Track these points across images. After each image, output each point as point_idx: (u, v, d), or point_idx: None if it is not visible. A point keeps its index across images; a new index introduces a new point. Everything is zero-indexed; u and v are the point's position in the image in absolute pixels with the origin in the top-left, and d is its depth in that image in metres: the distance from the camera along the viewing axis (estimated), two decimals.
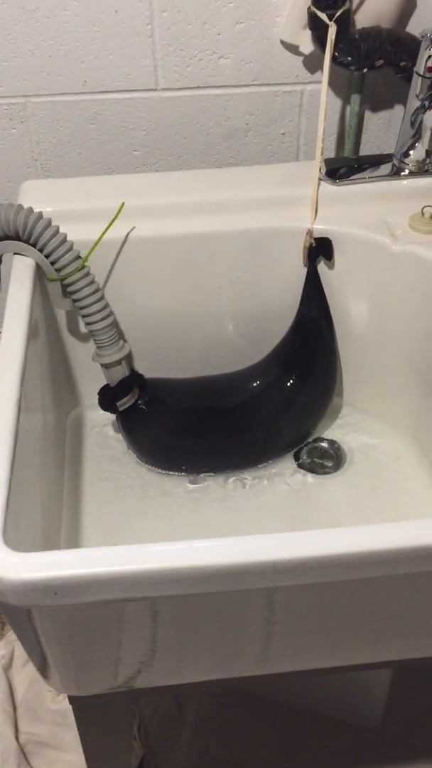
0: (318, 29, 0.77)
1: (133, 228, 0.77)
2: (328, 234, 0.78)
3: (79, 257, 0.73)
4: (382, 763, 0.99)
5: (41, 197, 0.78)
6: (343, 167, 0.83)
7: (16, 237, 0.72)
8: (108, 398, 0.80)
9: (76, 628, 0.53)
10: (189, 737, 1.01)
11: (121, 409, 0.81)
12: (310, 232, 0.78)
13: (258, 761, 0.99)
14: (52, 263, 0.73)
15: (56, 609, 0.49)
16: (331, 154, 0.90)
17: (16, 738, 1.00)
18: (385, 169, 0.82)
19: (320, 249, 0.79)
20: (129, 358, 0.82)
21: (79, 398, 0.88)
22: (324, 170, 0.81)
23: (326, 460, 0.84)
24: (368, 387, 0.86)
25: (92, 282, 0.75)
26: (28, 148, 0.86)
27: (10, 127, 0.85)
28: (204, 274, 0.81)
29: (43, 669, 0.59)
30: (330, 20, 0.75)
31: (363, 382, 0.86)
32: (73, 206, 0.78)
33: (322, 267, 0.80)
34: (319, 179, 0.79)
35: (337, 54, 0.78)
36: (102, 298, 0.76)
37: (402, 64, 0.80)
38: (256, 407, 0.83)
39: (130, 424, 0.82)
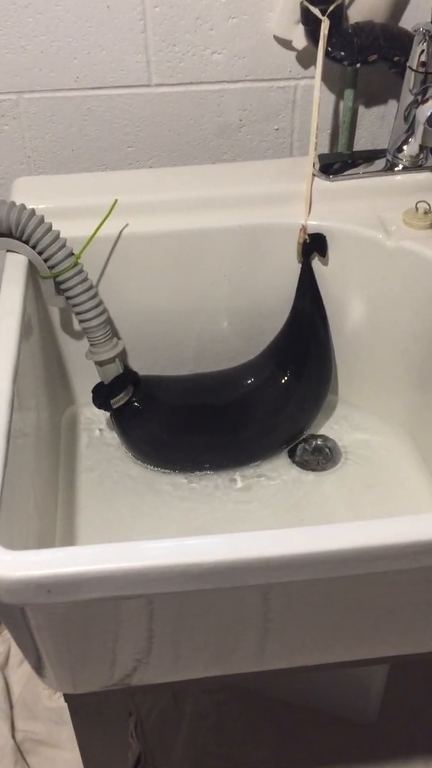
0: (311, 24, 0.77)
1: (127, 225, 0.77)
2: (323, 230, 0.78)
3: (72, 254, 0.73)
4: (378, 759, 0.99)
5: (34, 194, 0.78)
6: (337, 163, 0.83)
7: (9, 234, 0.72)
8: (102, 396, 0.80)
9: (71, 626, 0.53)
10: (186, 734, 1.01)
11: (115, 406, 0.80)
12: (304, 228, 0.78)
13: (254, 758, 0.99)
14: (45, 260, 0.72)
15: (50, 607, 0.49)
16: (325, 150, 0.90)
17: (13, 736, 1.00)
18: (379, 164, 0.82)
19: (314, 245, 0.78)
20: (123, 355, 0.82)
21: (73, 396, 0.88)
22: (318, 166, 0.81)
23: (321, 456, 0.84)
24: (363, 383, 0.86)
25: (85, 279, 0.74)
26: (20, 144, 0.86)
27: (3, 123, 0.84)
28: (198, 271, 0.80)
29: (38, 667, 0.59)
30: (323, 15, 0.75)
31: (357, 379, 0.86)
32: (66, 203, 0.77)
33: (316, 263, 0.80)
34: (313, 175, 0.79)
35: (330, 49, 0.78)
36: (95, 295, 0.75)
37: (395, 59, 0.80)
38: (251, 404, 0.83)
39: (125, 422, 0.82)
